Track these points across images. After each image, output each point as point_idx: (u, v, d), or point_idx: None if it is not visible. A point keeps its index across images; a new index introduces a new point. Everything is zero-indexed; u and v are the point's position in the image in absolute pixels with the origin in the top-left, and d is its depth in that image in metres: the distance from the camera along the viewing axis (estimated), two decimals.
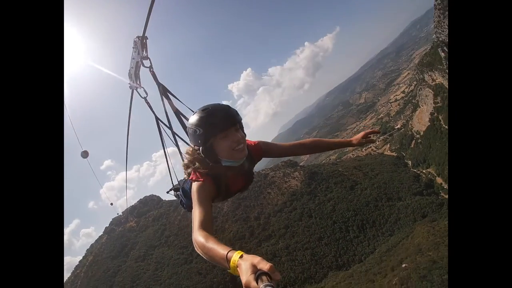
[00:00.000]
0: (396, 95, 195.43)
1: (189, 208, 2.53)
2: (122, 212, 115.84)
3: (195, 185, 2.18)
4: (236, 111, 2.23)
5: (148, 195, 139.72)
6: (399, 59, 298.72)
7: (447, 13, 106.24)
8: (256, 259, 1.32)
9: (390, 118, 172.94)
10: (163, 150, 3.70)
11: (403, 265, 57.17)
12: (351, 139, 2.82)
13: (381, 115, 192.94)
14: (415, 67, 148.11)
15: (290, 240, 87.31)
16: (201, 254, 1.71)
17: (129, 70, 3.73)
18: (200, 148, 2.18)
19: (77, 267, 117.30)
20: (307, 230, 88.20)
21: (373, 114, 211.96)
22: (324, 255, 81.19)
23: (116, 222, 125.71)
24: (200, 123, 2.12)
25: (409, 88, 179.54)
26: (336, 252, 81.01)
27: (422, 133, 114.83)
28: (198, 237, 1.75)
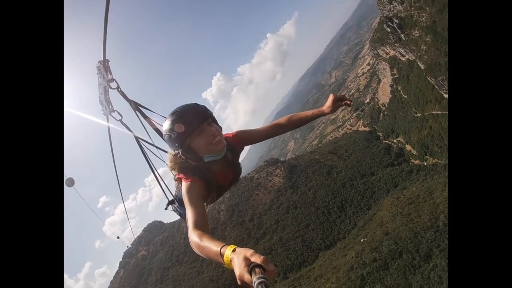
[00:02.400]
0: (363, 68, 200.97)
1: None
2: (131, 244, 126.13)
3: (184, 187, 2.20)
4: (205, 106, 2.26)
5: (150, 222, 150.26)
6: (361, 31, 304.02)
7: None
8: (249, 252, 1.32)
9: (360, 93, 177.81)
10: (149, 168, 3.78)
11: (362, 240, 64.63)
12: (323, 108, 2.68)
13: (352, 91, 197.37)
14: (368, 42, 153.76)
15: (282, 233, 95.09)
16: (198, 253, 1.74)
17: (99, 97, 3.71)
18: (179, 150, 2.21)
19: None
20: (295, 221, 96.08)
21: (345, 92, 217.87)
22: (312, 239, 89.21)
23: (128, 254, 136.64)
24: (172, 127, 2.15)
25: (373, 60, 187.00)
26: (322, 234, 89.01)
27: (386, 105, 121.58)
28: (193, 237, 1.77)
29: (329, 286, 56.90)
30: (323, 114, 2.67)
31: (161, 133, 2.85)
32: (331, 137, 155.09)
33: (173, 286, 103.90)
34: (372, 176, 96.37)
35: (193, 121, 2.13)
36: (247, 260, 1.28)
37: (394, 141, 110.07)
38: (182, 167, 2.28)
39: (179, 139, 2.14)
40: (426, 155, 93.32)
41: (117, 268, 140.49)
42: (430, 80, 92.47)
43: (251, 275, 1.22)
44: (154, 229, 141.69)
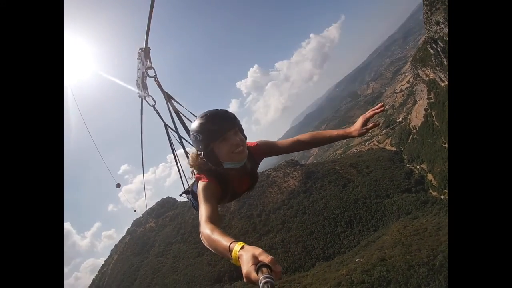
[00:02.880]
0: (402, 85, 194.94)
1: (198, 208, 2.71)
2: (142, 214, 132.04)
3: (200, 185, 2.28)
4: (234, 114, 2.32)
5: (164, 197, 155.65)
6: (406, 45, 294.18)
7: (434, 9, 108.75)
8: (257, 250, 1.33)
9: (394, 110, 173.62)
10: (173, 155, 3.98)
11: (356, 260, 65.00)
12: (350, 129, 2.57)
13: (386, 106, 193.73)
14: (409, 62, 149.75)
15: (286, 234, 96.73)
16: (207, 246, 1.76)
17: (136, 80, 3.92)
18: (202, 152, 2.29)
19: (103, 265, 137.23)
20: (301, 225, 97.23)
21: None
22: (313, 248, 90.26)
23: (137, 223, 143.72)
24: (200, 129, 2.23)
25: (412, 79, 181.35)
26: (324, 245, 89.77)
27: (417, 128, 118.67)
28: (205, 229, 1.79)
29: None
30: (349, 136, 2.63)
31: (188, 130, 3.20)
32: (356, 149, 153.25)
33: (172, 261, 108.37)
34: (387, 198, 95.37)
35: (220, 127, 2.22)
36: (255, 258, 1.30)
37: (418, 167, 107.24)
38: (202, 168, 2.40)
39: (203, 142, 2.24)
40: (445, 189, 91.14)
41: (124, 234, 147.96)
42: None
43: (257, 274, 1.23)
44: (167, 204, 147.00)
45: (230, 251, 1.47)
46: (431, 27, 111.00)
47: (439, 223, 71.82)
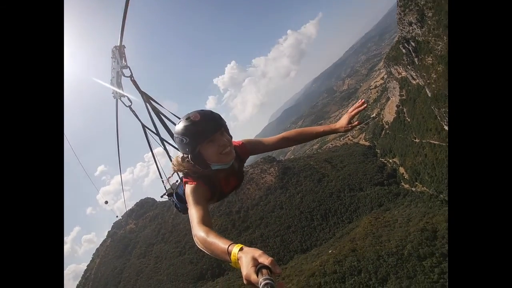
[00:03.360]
0: (376, 81, 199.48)
1: (185, 211, 2.76)
2: (121, 216, 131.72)
3: (188, 188, 2.23)
4: (219, 115, 2.26)
5: (143, 198, 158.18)
6: (382, 43, 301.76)
7: (407, 10, 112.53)
8: (257, 252, 1.32)
9: (368, 106, 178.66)
10: (153, 158, 3.95)
11: (330, 251, 67.73)
12: (336, 125, 2.63)
13: (363, 99, 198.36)
14: (383, 60, 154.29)
15: (264, 229, 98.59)
16: (202, 249, 1.74)
17: (111, 79, 3.72)
18: (189, 155, 2.23)
19: (86, 271, 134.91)
20: (278, 220, 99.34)
21: (354, 101, 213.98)
22: (291, 241, 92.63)
23: (117, 225, 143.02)
24: (186, 132, 2.16)
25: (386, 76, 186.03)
26: (301, 238, 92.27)
27: (389, 124, 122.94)
28: (199, 232, 1.77)
29: (290, 287, 59.99)
30: (335, 132, 2.66)
31: (171, 132, 3.06)
32: (331, 144, 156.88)
33: (154, 261, 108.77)
34: (360, 191, 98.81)
35: (207, 128, 2.17)
36: (254, 260, 1.29)
37: (390, 160, 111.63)
38: (189, 170, 2.34)
39: (190, 144, 2.18)
40: (416, 182, 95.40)
41: (105, 237, 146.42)
42: (434, 110, 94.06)
43: (257, 276, 1.24)
44: (146, 205, 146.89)
45: (229, 253, 1.45)
46: (404, 27, 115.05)
47: (409, 215, 75.44)
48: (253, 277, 1.24)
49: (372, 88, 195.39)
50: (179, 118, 2.33)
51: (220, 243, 1.55)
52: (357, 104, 2.61)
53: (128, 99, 3.86)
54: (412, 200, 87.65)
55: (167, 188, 3.34)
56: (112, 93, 3.89)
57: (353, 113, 2.60)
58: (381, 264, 59.18)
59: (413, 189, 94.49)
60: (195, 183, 2.26)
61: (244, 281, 1.30)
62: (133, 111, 3.94)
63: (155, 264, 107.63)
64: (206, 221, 1.89)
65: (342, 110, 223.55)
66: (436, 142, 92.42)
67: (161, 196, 3.39)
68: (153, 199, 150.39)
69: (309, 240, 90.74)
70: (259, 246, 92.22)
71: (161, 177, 3.74)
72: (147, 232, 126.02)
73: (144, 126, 3.91)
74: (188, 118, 2.19)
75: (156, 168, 3.86)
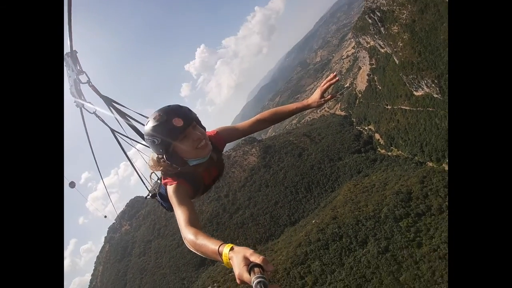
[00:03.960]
0: (348, 51, 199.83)
1: (171, 209, 2.54)
2: (114, 220, 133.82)
3: (170, 189, 2.16)
4: (188, 108, 2.16)
5: (132, 198, 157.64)
6: (351, 11, 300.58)
7: None
8: (248, 251, 1.32)
9: (342, 76, 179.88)
10: (128, 161, 3.84)
11: (313, 221, 72.47)
12: (308, 101, 2.57)
13: (335, 72, 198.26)
14: (351, 30, 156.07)
15: (254, 209, 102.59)
16: (193, 251, 1.71)
17: (69, 89, 3.51)
18: (164, 156, 2.14)
19: (91, 280, 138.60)
20: (265, 198, 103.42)
21: (328, 73, 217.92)
22: (280, 216, 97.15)
23: (113, 230, 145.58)
24: (155, 132, 2.06)
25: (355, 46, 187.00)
26: (289, 211, 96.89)
27: (362, 93, 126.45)
28: (187, 234, 1.73)
29: (280, 259, 64.28)
30: (309, 107, 2.61)
31: (141, 133, 3.02)
32: (309, 117, 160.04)
33: (155, 257, 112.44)
34: (340, 161, 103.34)
35: (178, 125, 2.05)
36: (246, 259, 1.29)
37: (366, 128, 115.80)
38: (166, 171, 2.27)
39: (163, 144, 2.08)
40: (392, 146, 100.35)
41: (103, 244, 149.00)
42: (402, 77, 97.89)
43: (250, 274, 1.24)
44: (137, 204, 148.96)
45: (220, 254, 1.45)
46: None
47: (386, 179, 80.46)
48: (246, 276, 1.24)
49: (344, 58, 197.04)
50: (147, 118, 2.24)
51: (211, 245, 1.55)
52: (328, 78, 2.50)
53: (91, 104, 3.65)
54: (389, 164, 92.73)
55: (149, 189, 3.22)
56: (74, 102, 3.68)
57: (324, 87, 2.50)
58: (360, 228, 63.74)
59: (389, 153, 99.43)
60: (176, 182, 2.20)
61: (237, 281, 1.30)
62: (98, 117, 3.79)
63: (156, 260, 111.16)
64: (193, 222, 1.86)
65: (317, 83, 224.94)
66: (406, 108, 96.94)
67: (145, 198, 3.32)
68: (142, 197, 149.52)
69: (296, 213, 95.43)
70: (251, 225, 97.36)
71: (142, 180, 3.64)
72: (142, 231, 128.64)
73: (113, 131, 3.80)
74: (155, 117, 2.10)
75: (136, 173, 3.77)
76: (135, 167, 3.82)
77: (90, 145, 4.56)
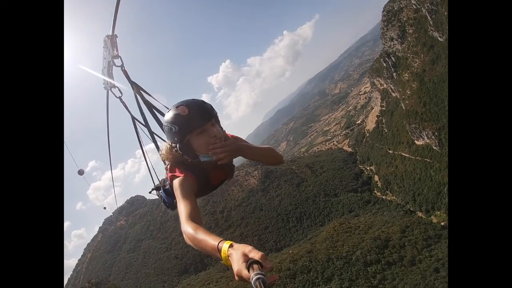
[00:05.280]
0: (366, 87, 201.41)
1: (172, 206, 2.61)
2: (112, 213, 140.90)
3: (176, 181, 2.13)
4: (211, 105, 2.18)
5: (133, 195, 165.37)
6: (376, 48, 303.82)
7: (390, 25, 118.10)
8: (247, 248, 1.31)
9: (356, 112, 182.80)
10: (141, 150, 3.76)
11: (290, 251, 75.01)
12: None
13: (350, 107, 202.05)
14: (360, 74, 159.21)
15: (244, 229, 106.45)
16: (191, 245, 1.69)
17: (102, 70, 3.60)
18: (177, 145, 2.14)
19: (77, 265, 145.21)
20: (257, 221, 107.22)
21: (344, 106, 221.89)
22: (267, 240, 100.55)
23: (108, 222, 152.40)
24: (175, 120, 2.07)
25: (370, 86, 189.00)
26: (276, 238, 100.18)
27: (369, 133, 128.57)
28: (187, 228, 1.71)
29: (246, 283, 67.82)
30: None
31: (161, 122, 3.03)
32: (317, 148, 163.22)
33: (143, 256, 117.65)
34: (335, 197, 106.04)
35: (198, 118, 2.09)
36: (245, 256, 1.28)
37: (367, 168, 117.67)
38: (176, 161, 2.27)
39: (179, 133, 2.10)
40: (387, 190, 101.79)
41: (96, 233, 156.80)
42: (406, 125, 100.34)
43: (248, 271, 1.22)
44: (136, 202, 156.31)
45: (219, 250, 1.43)
46: (386, 42, 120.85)
47: (372, 222, 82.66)
48: (244, 272, 1.23)
49: (362, 94, 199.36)
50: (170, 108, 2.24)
51: (210, 240, 1.53)
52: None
53: (119, 90, 3.71)
54: (380, 208, 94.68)
55: (155, 184, 3.19)
56: (103, 83, 3.76)
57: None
58: (329, 266, 66.50)
59: (384, 197, 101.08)
60: (183, 175, 2.16)
61: (236, 277, 1.29)
62: (123, 102, 3.79)
63: (143, 259, 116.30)
64: (194, 217, 1.84)
65: (332, 114, 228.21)
66: (406, 155, 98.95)
67: (150, 192, 3.22)
68: (143, 197, 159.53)
69: (283, 240, 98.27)
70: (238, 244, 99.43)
71: (150, 172, 3.59)
72: (136, 229, 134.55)
73: (133, 118, 3.76)
74: (178, 107, 2.12)
75: (146, 164, 3.70)
76: (147, 158, 3.77)
77: (108, 131, 4.60)
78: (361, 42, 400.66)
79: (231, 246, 1.38)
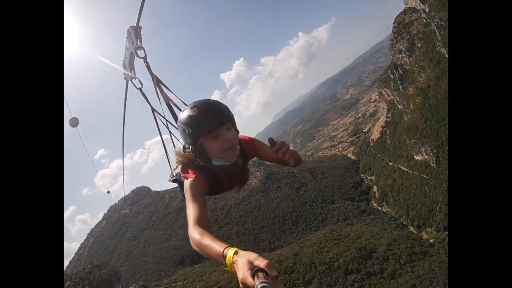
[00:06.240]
0: (376, 95, 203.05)
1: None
2: (117, 201, 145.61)
3: (187, 182, 2.11)
4: (227, 107, 2.12)
5: (139, 186, 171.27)
6: (390, 55, 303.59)
7: (399, 38, 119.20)
8: (252, 255, 1.30)
9: (364, 119, 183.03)
10: (160, 140, 3.66)
11: (278, 252, 78.87)
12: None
13: (359, 114, 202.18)
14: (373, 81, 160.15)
15: (241, 227, 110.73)
16: (197, 251, 1.69)
17: (123, 60, 3.61)
18: (190, 147, 2.11)
19: (80, 248, 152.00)
20: (255, 220, 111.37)
21: (353, 112, 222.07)
22: (262, 240, 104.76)
23: (113, 209, 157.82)
24: (189, 122, 2.02)
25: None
26: (271, 238, 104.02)
27: (373, 142, 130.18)
28: (194, 234, 1.71)
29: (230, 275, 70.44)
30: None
31: (176, 117, 3.02)
32: (322, 153, 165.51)
33: (143, 245, 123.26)
34: (332, 204, 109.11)
35: (212, 122, 2.03)
36: (250, 263, 1.27)
37: (368, 178, 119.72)
38: (189, 162, 2.24)
39: (192, 136, 2.05)
40: (383, 202, 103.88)
41: (100, 219, 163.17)
42: (406, 139, 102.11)
43: (253, 279, 1.21)
44: (141, 193, 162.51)
45: (224, 257, 1.43)
46: (395, 54, 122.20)
47: (363, 232, 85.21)
48: (249, 280, 1.22)
49: (372, 101, 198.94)
50: (186, 105, 2.21)
51: (215, 246, 1.53)
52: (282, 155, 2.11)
53: (139, 81, 3.73)
54: (374, 218, 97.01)
55: (173, 173, 2.98)
56: (123, 74, 3.79)
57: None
58: (311, 269, 69.61)
59: (380, 208, 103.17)
60: (194, 176, 2.14)
61: (240, 285, 1.27)
62: (143, 93, 3.77)
63: (143, 247, 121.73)
64: (202, 222, 1.83)
65: (341, 120, 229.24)
66: (405, 169, 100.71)
67: (170, 180, 3.01)
68: (148, 188, 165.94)
69: (277, 241, 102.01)
70: (234, 241, 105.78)
71: (169, 160, 3.42)
72: (139, 218, 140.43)
73: (153, 110, 3.67)
74: (193, 108, 2.06)
75: (165, 154, 3.56)
76: (166, 149, 3.62)
77: (124, 120, 4.58)
78: (377, 48, 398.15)
79: (236, 253, 1.38)
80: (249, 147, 2.47)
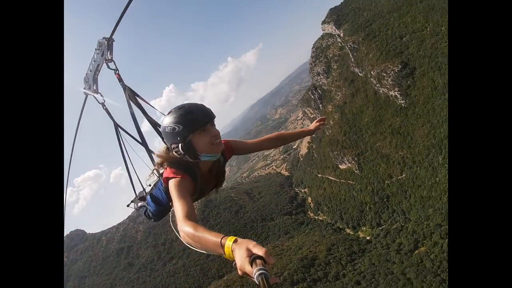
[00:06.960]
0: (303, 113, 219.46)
1: (156, 217, 2.80)
2: None
3: (172, 182, 2.14)
4: (210, 108, 2.25)
5: (73, 230, 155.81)
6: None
7: (317, 61, 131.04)
8: (251, 243, 1.32)
9: None
10: (123, 159, 3.45)
11: (225, 277, 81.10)
12: (308, 128, 3.13)
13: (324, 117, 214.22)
14: (298, 101, 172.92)
15: (187, 259, 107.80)
16: (191, 244, 1.71)
17: (86, 74, 3.38)
18: (179, 145, 2.15)
19: None
20: (198, 251, 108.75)
21: (284, 131, 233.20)
22: (209, 269, 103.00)
23: None
24: (180, 119, 2.12)
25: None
26: (218, 265, 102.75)
27: (302, 157, 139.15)
28: (186, 227, 1.71)
29: None
30: (308, 134, 3.21)
31: (158, 125, 2.90)
32: (257, 173, 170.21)
33: None
34: (271, 221, 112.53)
35: (202, 117, 2.17)
36: (248, 251, 1.30)
37: (302, 191, 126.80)
38: (174, 162, 2.28)
39: (183, 133, 2.13)
40: (319, 211, 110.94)
41: None
42: (329, 152, 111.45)
43: (251, 266, 1.24)
44: (76, 237, 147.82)
45: (223, 246, 1.45)
46: (314, 76, 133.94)
47: (304, 242, 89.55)
48: (248, 267, 1.25)
49: (299, 119, 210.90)
50: (164, 114, 2.34)
51: (212, 237, 1.55)
52: (319, 119, 3.25)
53: (101, 95, 3.39)
54: (312, 228, 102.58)
55: (137, 193, 3.20)
56: (84, 88, 3.50)
57: (317, 123, 3.24)
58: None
59: (316, 217, 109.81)
60: (180, 177, 2.18)
61: (239, 272, 1.30)
62: (106, 110, 3.46)
63: None
64: (192, 216, 1.85)
65: None
66: (332, 178, 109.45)
67: (128, 205, 3.26)
68: (83, 231, 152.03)
69: (225, 268, 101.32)
70: (181, 275, 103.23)
71: (130, 178, 3.40)
72: (79, 265, 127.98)
73: (116, 126, 3.45)
74: (181, 108, 2.20)
75: (128, 173, 3.41)
76: (130, 164, 3.45)
77: (74, 142, 3.94)
78: (302, 69, 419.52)
79: (235, 241, 1.41)
80: (226, 147, 2.58)
